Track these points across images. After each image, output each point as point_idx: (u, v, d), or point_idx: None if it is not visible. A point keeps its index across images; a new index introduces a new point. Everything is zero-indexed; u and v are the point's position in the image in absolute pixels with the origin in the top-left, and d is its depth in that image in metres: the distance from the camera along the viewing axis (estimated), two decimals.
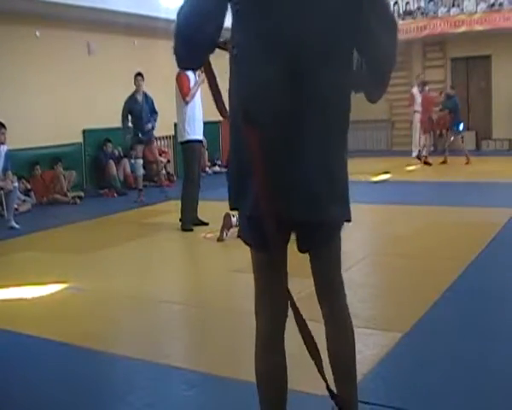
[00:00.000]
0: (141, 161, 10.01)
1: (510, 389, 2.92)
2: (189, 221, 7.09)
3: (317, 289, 2.16)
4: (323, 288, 2.15)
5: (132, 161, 10.36)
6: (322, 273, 2.13)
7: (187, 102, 7.07)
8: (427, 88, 14.14)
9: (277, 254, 2.00)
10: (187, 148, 7.15)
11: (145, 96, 9.73)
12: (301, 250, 2.06)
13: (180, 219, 7.15)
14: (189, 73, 7.13)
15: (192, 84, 7.11)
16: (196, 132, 7.15)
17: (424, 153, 13.61)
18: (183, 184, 7.32)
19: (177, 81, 7.15)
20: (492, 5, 15.12)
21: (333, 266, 2.13)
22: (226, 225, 6.37)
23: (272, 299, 2.07)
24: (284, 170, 1.87)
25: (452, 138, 13.35)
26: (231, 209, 2.09)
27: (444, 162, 13.30)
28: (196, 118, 7.15)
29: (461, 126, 13.31)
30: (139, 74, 9.75)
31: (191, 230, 7.01)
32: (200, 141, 7.39)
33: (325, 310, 2.16)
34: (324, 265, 2.12)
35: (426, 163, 13.28)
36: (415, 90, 14.43)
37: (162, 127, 11.89)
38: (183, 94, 7.08)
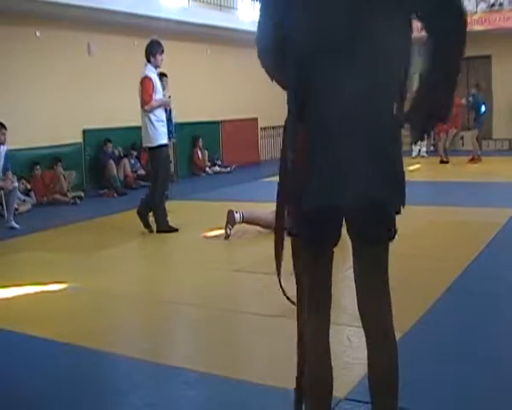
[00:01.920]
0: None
1: (511, 388, 2.92)
2: (166, 223, 7.05)
3: (358, 300, 2.03)
4: (365, 296, 2.01)
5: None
6: (367, 277, 2.00)
7: (144, 110, 6.91)
8: None
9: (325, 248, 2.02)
10: (156, 153, 6.98)
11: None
12: (352, 239, 2.00)
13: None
14: (155, 81, 7.01)
15: (157, 95, 6.97)
16: (164, 137, 7.04)
17: (441, 152, 13.64)
18: (153, 189, 7.11)
19: (141, 85, 6.98)
20: (492, 5, 15.14)
21: (381, 270, 2.00)
22: (230, 221, 6.43)
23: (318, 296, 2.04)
24: (330, 163, 1.88)
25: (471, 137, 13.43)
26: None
27: (445, 162, 13.32)
28: (165, 119, 7.11)
29: (482, 108, 13.25)
30: (165, 75, 9.79)
31: (175, 230, 7.02)
32: (167, 145, 7.28)
33: (364, 322, 2.02)
34: (372, 266, 2.00)
35: (442, 162, 13.38)
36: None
37: None
38: (144, 101, 6.90)
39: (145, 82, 6.96)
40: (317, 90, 1.87)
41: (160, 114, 7.04)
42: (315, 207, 1.89)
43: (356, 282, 2.01)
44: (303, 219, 1.94)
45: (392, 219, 2.02)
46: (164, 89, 9.76)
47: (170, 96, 7.22)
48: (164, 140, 7.03)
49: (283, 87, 1.99)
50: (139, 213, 7.07)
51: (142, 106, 6.93)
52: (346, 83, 1.82)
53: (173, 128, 10.05)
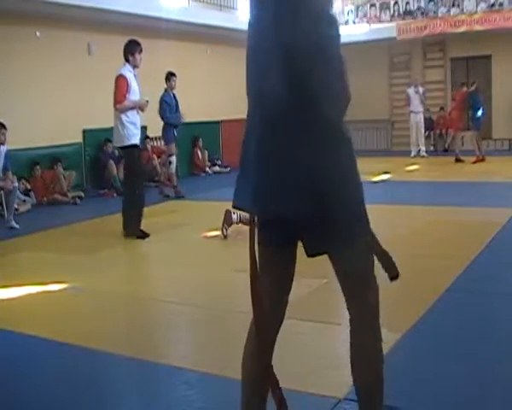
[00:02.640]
0: (175, 157, 10.03)
1: (510, 387, 2.92)
2: (139, 228, 6.80)
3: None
4: (346, 294, 2.02)
5: (171, 158, 10.12)
6: (340, 278, 2.00)
7: (116, 109, 6.75)
8: (464, 89, 14.04)
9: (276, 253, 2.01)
10: (131, 152, 6.82)
11: (174, 95, 9.92)
12: (308, 254, 1.97)
13: (124, 228, 6.88)
14: (130, 81, 6.78)
15: (132, 95, 6.76)
16: (136, 138, 6.82)
17: (457, 151, 13.61)
18: (128, 191, 6.99)
19: (115, 83, 6.79)
20: (492, 5, 15.13)
21: (352, 270, 1.98)
22: (227, 221, 6.44)
23: (270, 300, 2.03)
24: (270, 169, 1.86)
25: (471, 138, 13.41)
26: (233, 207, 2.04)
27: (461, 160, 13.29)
28: (138, 122, 6.87)
29: (479, 112, 13.21)
30: (174, 74, 9.86)
31: (146, 235, 6.75)
32: (139, 146, 7.02)
33: (350, 318, 2.04)
34: (341, 268, 1.99)
35: (458, 160, 13.32)
36: (410, 90, 14.56)
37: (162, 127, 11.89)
38: (116, 100, 6.72)
39: (119, 81, 6.77)
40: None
41: (133, 115, 6.79)
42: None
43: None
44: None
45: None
46: (172, 89, 9.84)
47: (147, 101, 6.96)
48: (135, 141, 6.80)
49: None
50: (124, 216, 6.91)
51: (115, 105, 6.75)
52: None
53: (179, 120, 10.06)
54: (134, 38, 7.19)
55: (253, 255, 1.97)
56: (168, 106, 9.69)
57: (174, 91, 9.89)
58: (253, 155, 1.89)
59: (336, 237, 1.90)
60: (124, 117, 6.74)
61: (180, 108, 10.03)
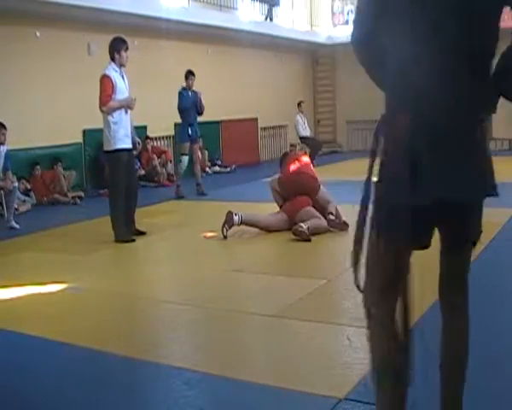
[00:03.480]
0: (187, 158, 10.00)
1: (511, 388, 2.91)
2: (124, 233, 6.65)
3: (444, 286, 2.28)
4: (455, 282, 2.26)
5: (181, 157, 10.09)
6: (452, 272, 2.22)
7: (102, 111, 6.48)
8: None
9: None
10: (112, 158, 6.60)
11: (194, 93, 9.92)
12: (447, 248, 2.20)
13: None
14: (115, 80, 6.55)
15: (118, 95, 6.52)
16: (124, 141, 6.58)
17: None
18: (109, 196, 6.93)
19: (99, 84, 6.54)
20: None
21: (466, 263, 2.22)
22: (228, 222, 6.44)
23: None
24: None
25: None
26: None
27: None
28: (123, 124, 6.58)
29: None
30: (192, 73, 9.91)
31: (132, 240, 6.62)
32: (129, 149, 6.74)
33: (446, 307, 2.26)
34: (459, 262, 2.23)
35: None
36: None
37: (162, 127, 11.91)
38: (101, 101, 6.47)
39: (103, 81, 6.51)
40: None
41: (119, 116, 6.54)
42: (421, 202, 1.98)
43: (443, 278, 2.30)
44: (395, 215, 1.98)
45: (481, 217, 2.15)
46: (190, 88, 9.84)
47: (135, 98, 6.71)
48: (122, 145, 6.54)
49: None
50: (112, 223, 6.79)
51: (100, 106, 6.51)
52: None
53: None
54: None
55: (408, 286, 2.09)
56: (183, 102, 9.76)
57: (194, 89, 9.96)
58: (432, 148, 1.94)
59: (474, 228, 2.14)
60: (110, 118, 6.51)
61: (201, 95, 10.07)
